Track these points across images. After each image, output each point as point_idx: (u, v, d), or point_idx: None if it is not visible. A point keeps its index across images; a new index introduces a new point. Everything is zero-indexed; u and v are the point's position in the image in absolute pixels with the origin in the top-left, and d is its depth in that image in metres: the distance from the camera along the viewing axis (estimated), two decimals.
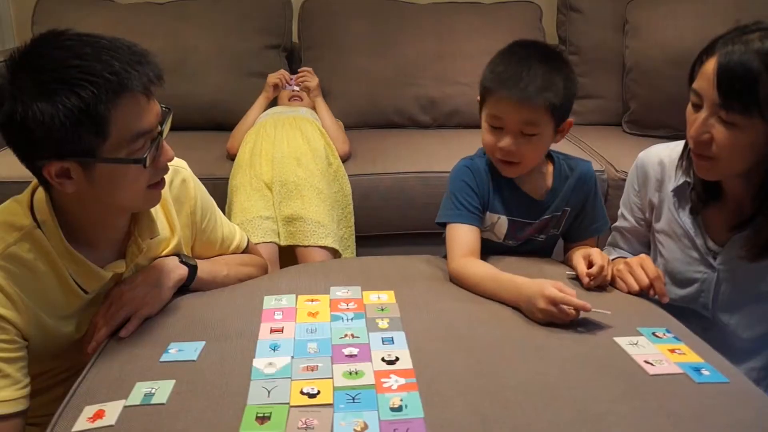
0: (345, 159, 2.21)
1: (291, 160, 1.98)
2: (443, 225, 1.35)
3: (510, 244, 1.38)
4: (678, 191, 1.30)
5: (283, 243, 1.89)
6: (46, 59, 0.91)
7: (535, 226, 1.37)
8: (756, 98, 1.05)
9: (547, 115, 1.23)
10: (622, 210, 1.47)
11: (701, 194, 1.26)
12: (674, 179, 1.30)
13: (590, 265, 1.22)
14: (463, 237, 1.29)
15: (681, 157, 1.28)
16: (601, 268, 1.20)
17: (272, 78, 2.32)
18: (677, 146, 1.31)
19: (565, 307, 1.07)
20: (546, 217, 1.37)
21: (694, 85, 1.14)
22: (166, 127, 1.03)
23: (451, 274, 1.26)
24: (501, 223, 1.34)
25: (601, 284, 1.22)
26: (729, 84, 1.07)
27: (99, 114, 0.91)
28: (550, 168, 1.37)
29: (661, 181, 1.34)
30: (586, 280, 1.21)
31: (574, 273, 1.26)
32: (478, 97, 1.32)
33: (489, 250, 1.33)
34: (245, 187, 1.96)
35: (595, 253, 1.24)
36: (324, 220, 1.91)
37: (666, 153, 1.34)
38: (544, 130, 1.25)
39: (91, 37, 0.94)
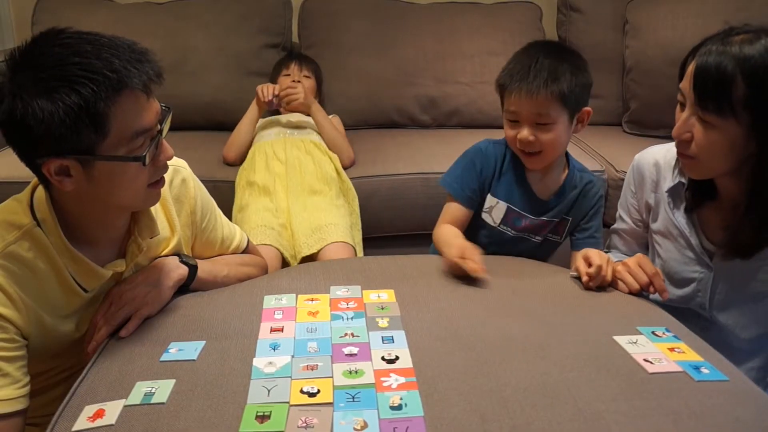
0: (349, 166, 2.20)
1: (307, 193, 1.99)
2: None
3: (504, 231, 1.45)
4: (673, 191, 1.31)
5: (306, 253, 1.85)
6: (46, 57, 0.91)
7: (532, 222, 1.43)
8: (729, 100, 1.07)
9: (558, 104, 1.31)
10: (620, 212, 1.48)
11: (695, 193, 1.27)
12: (669, 180, 1.31)
13: (590, 265, 1.23)
14: (450, 211, 1.44)
15: (677, 158, 1.29)
16: (599, 267, 1.21)
17: (258, 91, 2.21)
18: (673, 147, 1.32)
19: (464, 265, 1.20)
20: (545, 218, 1.42)
21: (680, 85, 1.16)
22: (166, 125, 1.03)
23: (433, 237, 1.42)
24: (499, 207, 1.43)
25: (602, 284, 1.23)
26: (703, 84, 1.09)
27: (99, 111, 0.91)
28: (564, 174, 1.44)
29: (656, 182, 1.35)
30: (585, 279, 1.22)
31: (576, 273, 1.27)
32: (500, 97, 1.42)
33: (484, 231, 1.45)
34: (260, 212, 1.94)
35: (594, 253, 1.25)
36: (339, 222, 1.91)
37: (661, 154, 1.35)
38: (558, 119, 1.33)
39: (90, 35, 0.95)
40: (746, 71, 1.05)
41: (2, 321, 0.96)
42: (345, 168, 2.17)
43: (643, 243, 1.45)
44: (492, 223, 1.45)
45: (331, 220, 1.90)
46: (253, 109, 2.22)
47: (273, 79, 2.38)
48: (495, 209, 1.43)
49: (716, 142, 1.11)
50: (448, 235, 1.37)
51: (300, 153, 2.08)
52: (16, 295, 0.98)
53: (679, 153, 1.19)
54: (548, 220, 1.43)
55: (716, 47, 1.08)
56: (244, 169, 2.10)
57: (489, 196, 1.43)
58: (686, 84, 1.14)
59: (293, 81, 2.27)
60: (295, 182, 2.01)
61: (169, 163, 1.08)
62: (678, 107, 1.18)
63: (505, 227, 1.44)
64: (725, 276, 1.27)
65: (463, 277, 1.26)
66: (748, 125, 1.08)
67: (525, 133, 1.33)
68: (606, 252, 1.52)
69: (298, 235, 1.87)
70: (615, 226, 1.51)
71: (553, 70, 1.30)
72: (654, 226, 1.38)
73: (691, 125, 1.13)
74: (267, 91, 2.16)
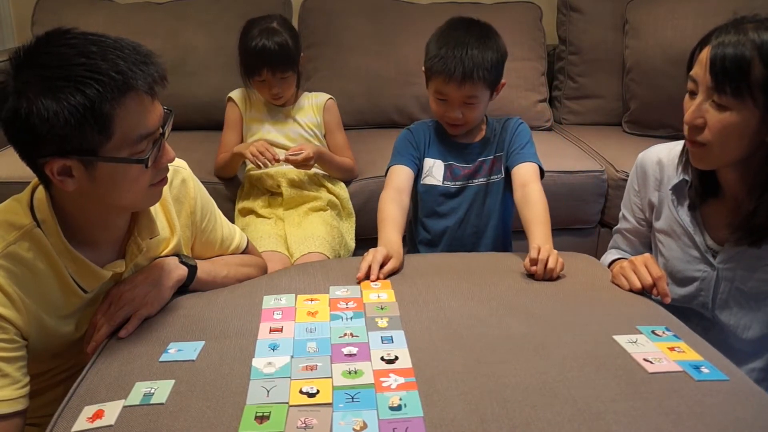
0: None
1: (302, 214, 1.99)
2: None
3: (449, 187, 1.58)
4: (676, 189, 1.31)
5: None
6: (52, 56, 0.91)
7: (469, 168, 1.58)
8: (747, 82, 1.07)
9: (483, 86, 1.48)
10: (623, 211, 1.48)
11: (699, 189, 1.27)
12: (673, 178, 1.31)
13: (532, 260, 1.26)
14: (393, 175, 1.55)
15: (681, 155, 1.29)
16: (532, 261, 1.25)
17: (250, 157, 1.93)
18: (676, 146, 1.32)
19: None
20: (480, 159, 1.58)
21: (691, 72, 1.16)
22: (168, 128, 1.03)
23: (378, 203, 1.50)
24: (437, 165, 1.59)
25: (548, 270, 1.25)
26: (721, 67, 1.09)
27: (104, 112, 0.91)
28: (484, 125, 1.61)
29: (660, 180, 1.35)
30: (532, 269, 1.25)
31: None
32: (423, 68, 1.54)
33: (434, 194, 1.59)
34: (260, 225, 1.95)
35: (543, 250, 1.26)
36: (324, 236, 1.90)
37: (665, 153, 1.35)
38: (482, 97, 1.51)
39: (95, 36, 0.95)
40: (764, 54, 1.06)
41: (2, 321, 0.96)
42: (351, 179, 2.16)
43: (647, 242, 1.45)
44: (436, 182, 1.59)
45: (317, 233, 1.90)
46: (238, 157, 2.01)
47: (245, 78, 2.06)
48: (434, 168, 1.58)
49: (730, 126, 1.11)
50: (386, 219, 1.42)
51: (298, 189, 2.03)
52: (16, 296, 0.98)
53: (689, 141, 1.19)
54: (483, 160, 1.58)
55: (731, 33, 1.09)
56: (240, 198, 2.09)
57: (426, 160, 1.59)
58: (699, 70, 1.13)
59: (273, 91, 2.02)
60: (292, 211, 2.01)
61: (169, 163, 1.08)
62: (687, 96, 1.18)
63: (448, 182, 1.58)
64: (728, 276, 1.27)
65: (461, 276, 1.26)
66: (765, 108, 1.08)
67: (453, 113, 1.50)
68: (610, 251, 1.53)
69: (290, 242, 1.90)
70: (618, 225, 1.51)
71: (480, 57, 1.45)
72: (657, 224, 1.38)
73: (704, 111, 1.13)
74: (262, 160, 1.91)
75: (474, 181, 1.58)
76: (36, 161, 0.95)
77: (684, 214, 1.30)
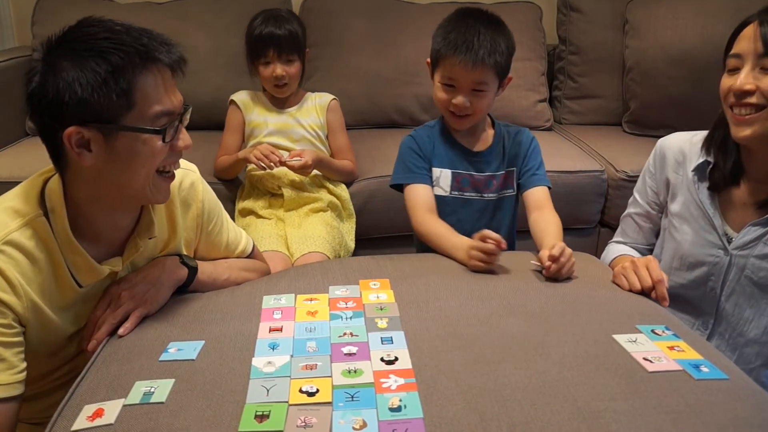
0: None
1: (303, 215, 2.00)
2: (397, 188, 1.57)
3: (458, 197, 1.54)
4: (699, 169, 1.33)
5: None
6: (80, 35, 0.96)
7: (478, 179, 1.54)
8: None
9: (493, 74, 1.44)
10: (635, 195, 1.51)
11: (723, 170, 1.29)
12: (694, 161, 1.34)
13: (552, 257, 1.24)
14: (420, 195, 1.50)
15: (707, 138, 1.32)
16: (553, 257, 1.23)
17: (254, 160, 1.94)
18: (698, 134, 1.36)
19: (482, 245, 1.25)
20: (488, 173, 1.54)
21: (734, 50, 1.21)
22: (187, 115, 1.06)
23: (415, 230, 1.48)
24: (444, 174, 1.54)
25: (562, 272, 1.24)
26: None
27: (126, 79, 0.94)
28: (491, 131, 1.57)
29: (680, 163, 1.38)
30: (547, 264, 1.23)
31: (538, 264, 1.27)
32: (428, 60, 1.51)
33: (441, 205, 1.52)
34: (261, 226, 1.97)
35: (556, 246, 1.25)
36: (325, 236, 1.91)
37: (686, 138, 1.39)
38: (491, 86, 1.46)
39: (122, 23, 1.01)
40: None
41: (1, 306, 0.97)
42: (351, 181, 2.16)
43: (654, 230, 1.48)
44: (444, 193, 1.54)
45: (317, 233, 1.90)
46: (242, 162, 2.04)
47: (250, 63, 2.07)
48: (441, 178, 1.54)
49: None
50: (443, 233, 1.40)
51: (299, 190, 2.04)
52: (17, 282, 0.98)
53: (738, 108, 1.21)
54: (492, 174, 1.54)
55: None
56: (240, 199, 2.10)
57: (433, 170, 1.54)
58: (744, 43, 1.19)
59: (276, 75, 2.00)
60: (292, 213, 2.01)
61: (179, 165, 1.08)
62: (725, 77, 1.23)
63: (456, 192, 1.54)
64: (740, 262, 1.28)
65: (461, 275, 1.26)
66: None
67: (461, 99, 1.44)
68: (612, 243, 1.54)
69: (290, 242, 1.91)
70: (627, 210, 1.53)
71: (493, 42, 1.41)
72: (672, 207, 1.40)
73: (755, 77, 1.18)
74: (267, 163, 1.92)
75: (484, 195, 1.54)
76: (56, 135, 0.96)
77: (705, 196, 1.32)
